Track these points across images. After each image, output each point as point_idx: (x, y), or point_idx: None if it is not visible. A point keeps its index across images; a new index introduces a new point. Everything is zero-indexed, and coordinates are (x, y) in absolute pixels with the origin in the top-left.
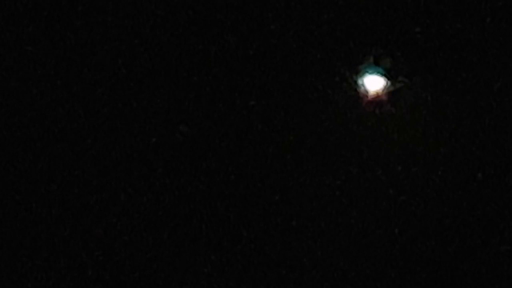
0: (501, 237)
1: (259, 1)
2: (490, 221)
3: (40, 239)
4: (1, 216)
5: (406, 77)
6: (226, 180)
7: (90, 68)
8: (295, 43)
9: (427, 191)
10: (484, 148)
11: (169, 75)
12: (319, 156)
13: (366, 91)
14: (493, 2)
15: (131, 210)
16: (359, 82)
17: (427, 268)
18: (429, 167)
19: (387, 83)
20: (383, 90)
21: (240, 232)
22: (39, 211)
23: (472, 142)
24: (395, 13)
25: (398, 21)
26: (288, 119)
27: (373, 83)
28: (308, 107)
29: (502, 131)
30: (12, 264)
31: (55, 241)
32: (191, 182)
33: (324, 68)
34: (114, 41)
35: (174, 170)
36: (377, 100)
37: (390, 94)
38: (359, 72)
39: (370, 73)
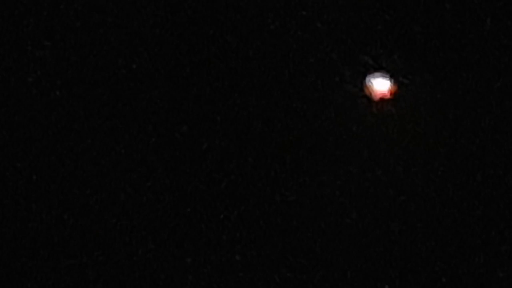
0: (501, 237)
1: (259, 1)
2: (490, 221)
3: (40, 239)
4: (1, 216)
5: (406, 77)
6: (225, 180)
7: (90, 68)
8: (295, 43)
9: (427, 191)
10: (484, 148)
11: (169, 75)
12: (319, 156)
13: (366, 91)
14: (493, 2)
15: (131, 210)
16: (359, 82)
17: (427, 268)
18: (429, 167)
19: (387, 83)
20: (383, 90)
21: (240, 232)
22: (39, 211)
23: (472, 142)
24: (395, 13)
25: (398, 21)
26: (288, 119)
27: (373, 83)
28: (308, 107)
29: (502, 131)
30: (12, 264)
31: (55, 241)
32: (191, 182)
33: (324, 68)
34: (114, 41)
35: (174, 170)
36: (377, 100)
37: (390, 94)
38: (359, 72)
39: (370, 73)
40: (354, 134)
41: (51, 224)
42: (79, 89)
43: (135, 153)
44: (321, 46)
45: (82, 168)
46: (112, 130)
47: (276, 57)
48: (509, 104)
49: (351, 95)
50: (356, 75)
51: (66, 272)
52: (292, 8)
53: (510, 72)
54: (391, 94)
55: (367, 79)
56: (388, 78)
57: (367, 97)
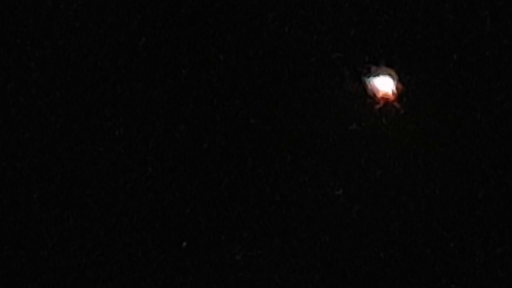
0: (502, 237)
1: (259, 1)
2: (490, 221)
3: (40, 239)
4: (1, 216)
5: (407, 77)
6: (225, 180)
7: (90, 68)
8: (295, 43)
9: (427, 191)
10: (484, 148)
11: (169, 75)
12: (319, 156)
13: (366, 91)
14: (493, 2)
15: (131, 210)
16: (360, 82)
17: (427, 268)
18: (429, 167)
19: (387, 83)
20: (384, 90)
21: (240, 232)
22: (38, 211)
23: (472, 142)
24: (395, 13)
25: (398, 21)
26: (288, 119)
27: (373, 83)
28: (308, 107)
29: (502, 131)
30: (12, 264)
31: (55, 241)
32: (191, 182)
33: (324, 68)
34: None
35: (173, 170)
36: (377, 100)
37: (390, 94)
38: (359, 72)
39: (370, 73)
40: (354, 134)
41: (51, 224)
42: (79, 89)
43: (135, 153)
44: (321, 46)
45: (82, 168)
46: (112, 130)
47: (276, 57)
48: (509, 104)
49: (351, 95)
50: (356, 75)
51: (66, 272)
52: (292, 8)
53: (510, 72)
54: (392, 94)
55: (368, 79)
56: (389, 78)
57: (367, 97)
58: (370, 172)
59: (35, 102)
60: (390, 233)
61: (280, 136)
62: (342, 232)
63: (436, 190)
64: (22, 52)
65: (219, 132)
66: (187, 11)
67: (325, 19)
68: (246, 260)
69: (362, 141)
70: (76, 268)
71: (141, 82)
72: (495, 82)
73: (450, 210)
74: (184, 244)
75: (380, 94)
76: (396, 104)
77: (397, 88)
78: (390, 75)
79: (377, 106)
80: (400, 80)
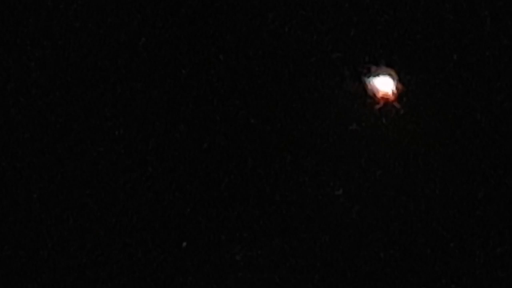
0: (502, 237)
1: (259, 1)
2: (490, 221)
3: (40, 239)
4: (1, 216)
5: (407, 77)
6: (225, 180)
7: (90, 68)
8: (295, 43)
9: (427, 191)
10: (484, 148)
11: (169, 75)
12: (319, 156)
13: (366, 91)
14: (493, 2)
15: (131, 210)
16: (360, 82)
17: (427, 268)
18: (429, 167)
19: (387, 83)
20: (383, 90)
21: (240, 232)
22: (38, 211)
23: (472, 142)
24: (395, 13)
25: (398, 21)
26: (288, 119)
27: (373, 83)
28: (308, 107)
29: (502, 131)
30: (12, 264)
31: (55, 241)
32: (190, 182)
33: (324, 68)
34: (114, 41)
35: (173, 170)
36: (377, 100)
37: (390, 94)
38: (359, 72)
39: (370, 73)
40: (354, 134)
41: (51, 224)
42: (79, 89)
43: (135, 153)
44: (321, 46)
45: (82, 168)
46: (112, 130)
47: (276, 57)
48: (509, 104)
49: (351, 95)
50: (356, 75)
51: (66, 272)
52: (292, 8)
53: (510, 72)
54: (392, 94)
55: (368, 79)
56: (389, 78)
57: (367, 97)
58: (370, 172)
59: (35, 102)
60: (390, 233)
61: (280, 136)
62: (342, 232)
63: (436, 190)
64: (22, 52)
65: (219, 132)
66: (187, 11)
67: (325, 19)
68: (246, 260)
69: (362, 141)
70: (76, 268)
71: (141, 82)
72: (495, 82)
73: (450, 210)
74: (184, 244)
75: (380, 94)
76: (396, 104)
77: (397, 88)
78: (390, 75)
79: (377, 106)
80: (400, 80)
